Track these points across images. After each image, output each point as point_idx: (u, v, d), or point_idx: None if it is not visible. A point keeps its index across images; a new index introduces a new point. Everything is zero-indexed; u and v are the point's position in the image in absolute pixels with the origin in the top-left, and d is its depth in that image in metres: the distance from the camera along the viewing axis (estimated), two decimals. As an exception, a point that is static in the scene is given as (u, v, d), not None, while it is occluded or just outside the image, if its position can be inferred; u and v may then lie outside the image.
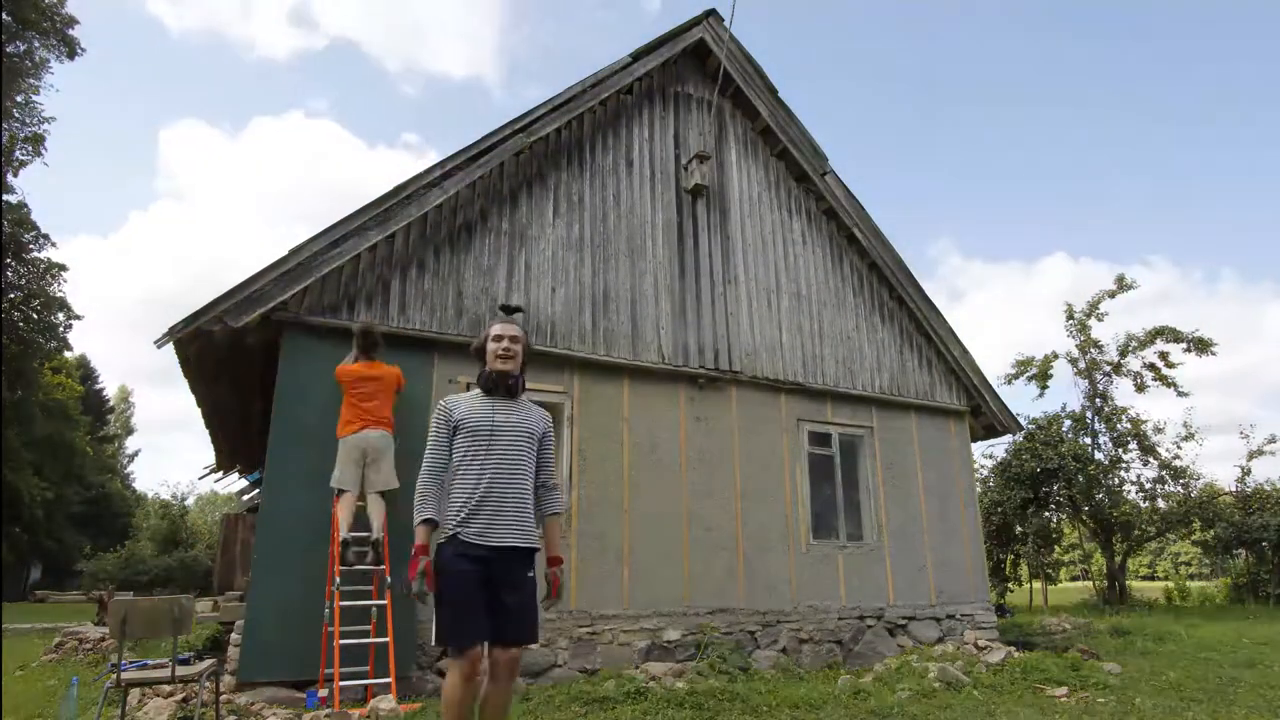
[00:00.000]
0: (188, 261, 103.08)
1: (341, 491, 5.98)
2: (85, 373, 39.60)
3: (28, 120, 21.82)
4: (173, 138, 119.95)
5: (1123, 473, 19.61)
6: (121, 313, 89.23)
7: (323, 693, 5.56)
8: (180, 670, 4.66)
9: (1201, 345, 19.24)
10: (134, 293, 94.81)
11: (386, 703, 5.04)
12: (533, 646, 6.69)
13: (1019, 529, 19.21)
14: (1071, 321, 20.81)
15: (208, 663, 5.00)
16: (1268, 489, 19.05)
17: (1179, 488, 19.44)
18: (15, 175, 21.82)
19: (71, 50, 21.70)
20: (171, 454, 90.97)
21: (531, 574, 3.18)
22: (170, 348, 6.44)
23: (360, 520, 6.00)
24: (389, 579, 5.82)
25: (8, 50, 20.18)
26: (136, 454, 54.80)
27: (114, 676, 4.55)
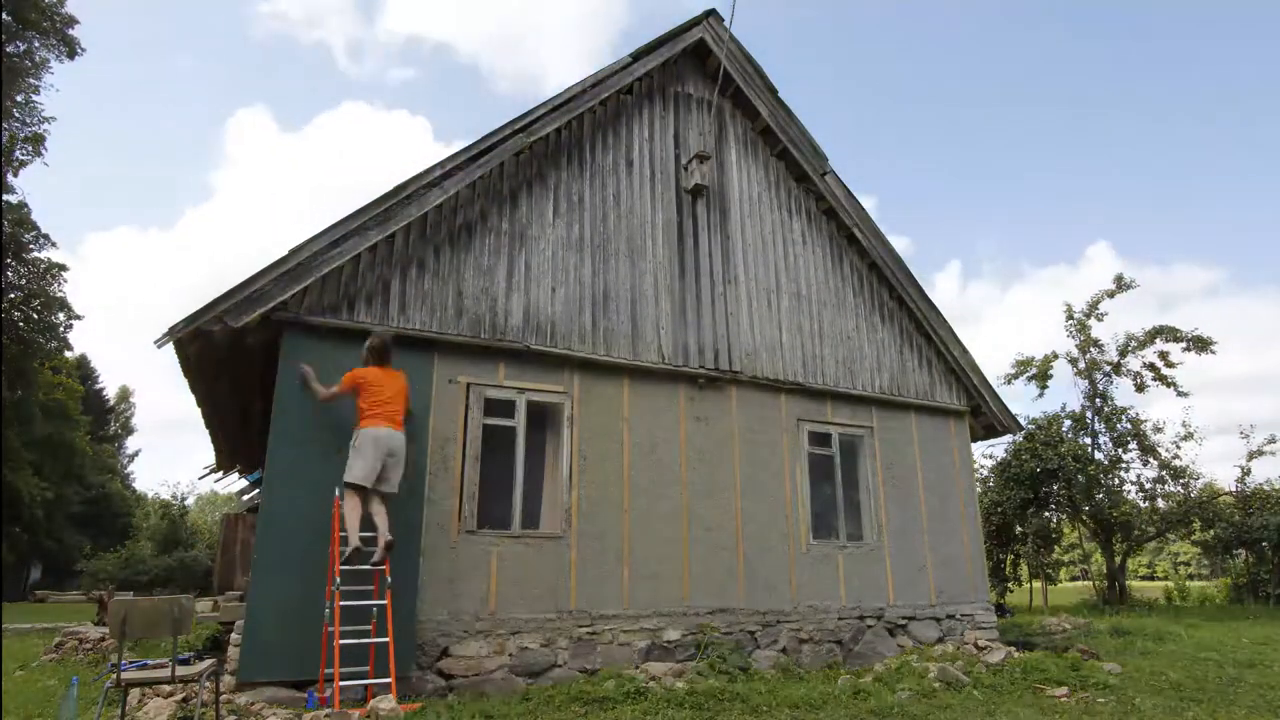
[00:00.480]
0: (261, 256, 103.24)
1: (349, 491, 5.86)
2: (85, 373, 39.60)
3: (28, 120, 21.83)
4: (244, 124, 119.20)
5: (1122, 473, 19.63)
6: (179, 308, 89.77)
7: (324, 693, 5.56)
8: (180, 670, 4.66)
9: (1201, 344, 19.24)
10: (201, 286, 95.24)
11: (387, 703, 5.04)
12: (531, 645, 6.70)
13: (1019, 529, 19.21)
14: (1071, 321, 20.81)
15: (208, 663, 5.00)
16: (1267, 489, 19.03)
17: (1179, 488, 19.45)
18: (15, 175, 21.83)
19: (71, 50, 21.70)
20: (182, 453, 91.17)
21: None
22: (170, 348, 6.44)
23: (365, 524, 5.95)
24: (389, 579, 5.82)
25: (8, 50, 20.18)
26: (137, 454, 54.82)
27: (114, 676, 4.56)
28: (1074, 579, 31.01)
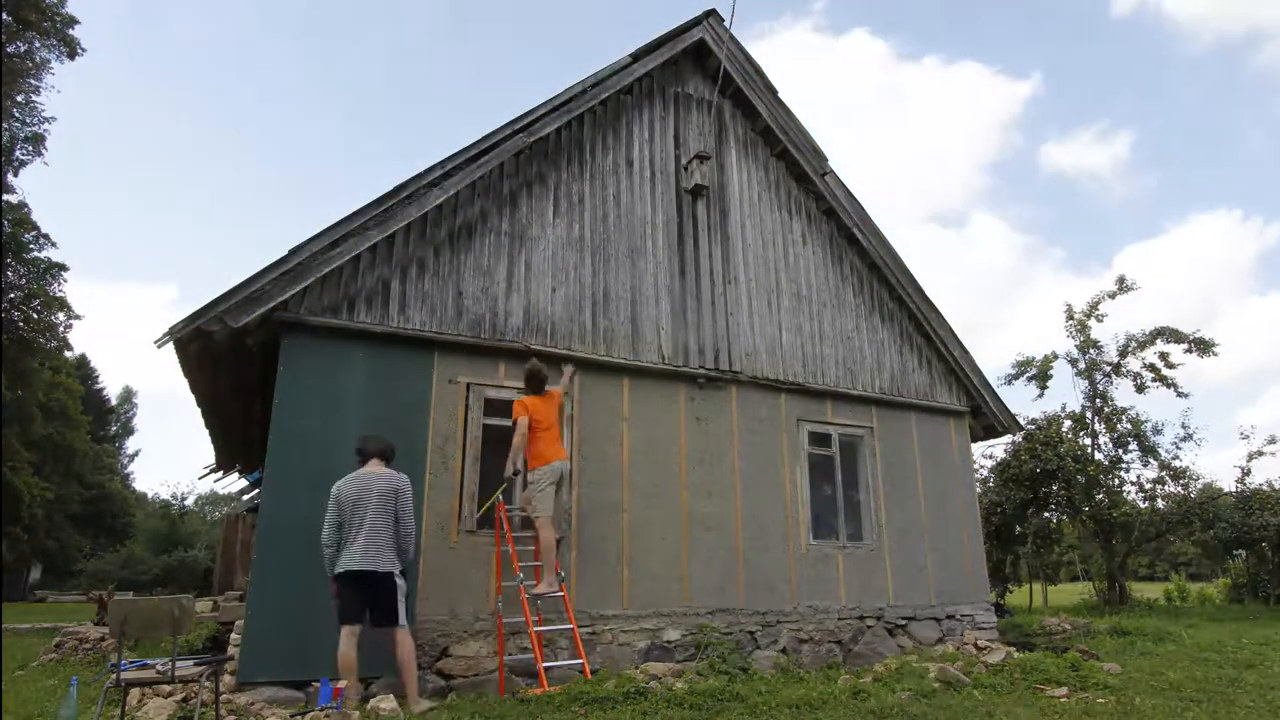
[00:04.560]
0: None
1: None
2: (85, 373, 39.61)
3: (28, 120, 21.84)
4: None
5: (1123, 473, 19.62)
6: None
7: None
8: (180, 670, 4.66)
9: (1203, 346, 19.24)
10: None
11: (388, 703, 5.04)
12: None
13: (1019, 529, 19.19)
14: (1071, 322, 20.81)
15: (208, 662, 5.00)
16: (1267, 489, 19.03)
17: (1179, 488, 19.45)
18: (15, 175, 21.84)
19: (72, 50, 21.70)
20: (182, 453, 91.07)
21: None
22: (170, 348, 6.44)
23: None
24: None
25: (8, 50, 20.19)
26: (137, 454, 54.87)
27: (114, 676, 4.55)
28: (1074, 579, 30.99)
